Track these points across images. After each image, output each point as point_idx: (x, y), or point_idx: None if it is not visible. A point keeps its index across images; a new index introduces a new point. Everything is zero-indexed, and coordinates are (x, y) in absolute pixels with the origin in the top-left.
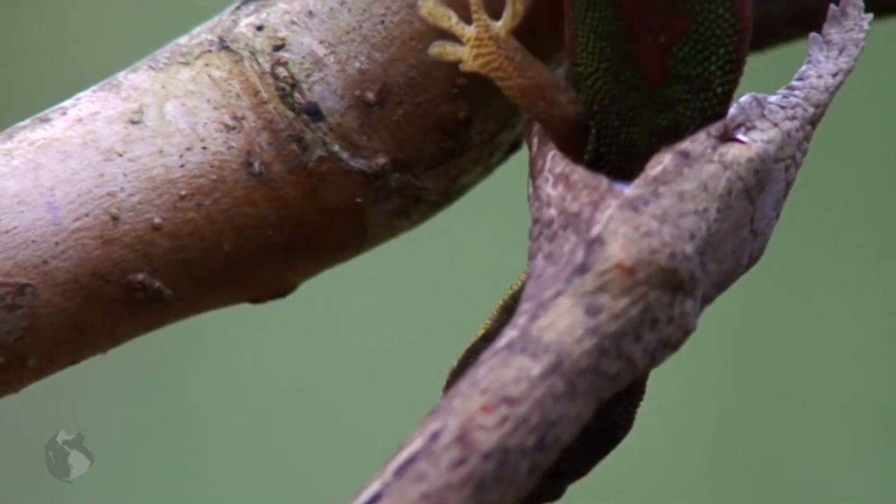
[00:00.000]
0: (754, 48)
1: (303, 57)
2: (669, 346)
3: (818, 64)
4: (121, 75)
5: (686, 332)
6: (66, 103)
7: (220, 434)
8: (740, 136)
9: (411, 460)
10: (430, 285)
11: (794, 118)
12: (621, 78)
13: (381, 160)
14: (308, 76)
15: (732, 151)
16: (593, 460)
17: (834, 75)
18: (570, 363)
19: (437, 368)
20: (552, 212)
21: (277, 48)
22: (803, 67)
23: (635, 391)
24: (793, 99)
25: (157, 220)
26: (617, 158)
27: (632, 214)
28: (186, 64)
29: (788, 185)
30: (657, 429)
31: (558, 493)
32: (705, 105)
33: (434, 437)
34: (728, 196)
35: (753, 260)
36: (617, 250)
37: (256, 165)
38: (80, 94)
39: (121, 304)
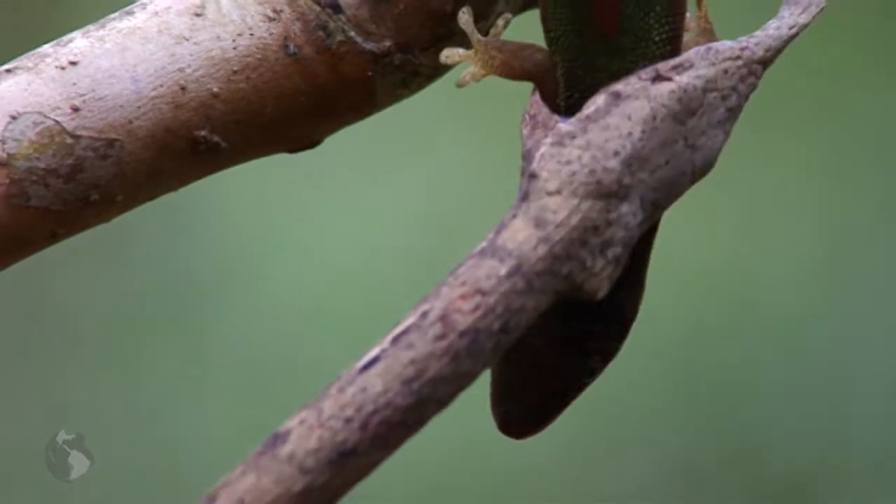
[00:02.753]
0: None
1: None
2: (615, 243)
3: (781, 18)
4: None
5: (627, 228)
6: (146, 0)
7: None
8: (670, 75)
9: (404, 332)
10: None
11: (737, 58)
12: (583, 35)
13: (387, 43)
14: None
15: (657, 87)
16: (612, 339)
17: (791, 27)
18: (529, 266)
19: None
20: (524, 149)
21: None
22: (770, 20)
23: (637, 283)
24: (744, 42)
25: (215, 90)
26: (586, 99)
27: (559, 149)
28: None
29: (731, 110)
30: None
31: (593, 372)
32: (647, 51)
33: (423, 315)
34: (652, 120)
35: (700, 169)
36: (543, 182)
37: (292, 47)
38: None
39: (187, 154)
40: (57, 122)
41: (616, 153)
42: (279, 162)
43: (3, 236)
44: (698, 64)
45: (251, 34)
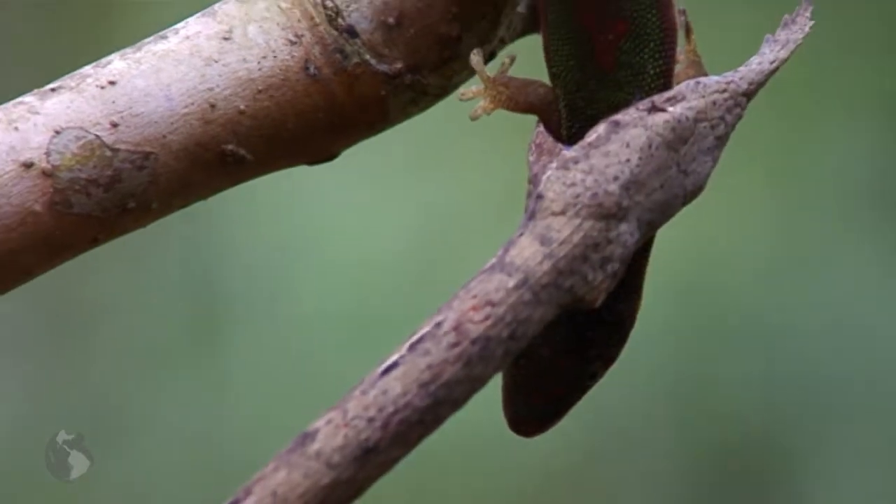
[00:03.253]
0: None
1: None
2: (613, 259)
3: (763, 55)
4: (216, 6)
5: (625, 246)
6: (178, 26)
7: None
8: (664, 106)
9: (420, 340)
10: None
11: (724, 91)
12: (584, 70)
13: (399, 65)
14: (347, 6)
15: (653, 117)
16: (612, 346)
17: (772, 62)
18: (535, 280)
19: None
20: (531, 174)
21: None
22: (753, 56)
23: (634, 293)
24: (730, 77)
25: (241, 107)
26: (587, 128)
27: (563, 173)
28: None
29: (719, 138)
30: None
31: (594, 376)
32: (643, 84)
33: (438, 325)
34: (649, 148)
35: (691, 192)
36: (549, 202)
37: (312, 69)
38: (188, 19)
39: (216, 166)
40: (97, 136)
41: (616, 178)
42: (306, 173)
43: (48, 241)
44: (689, 96)
45: (275, 57)
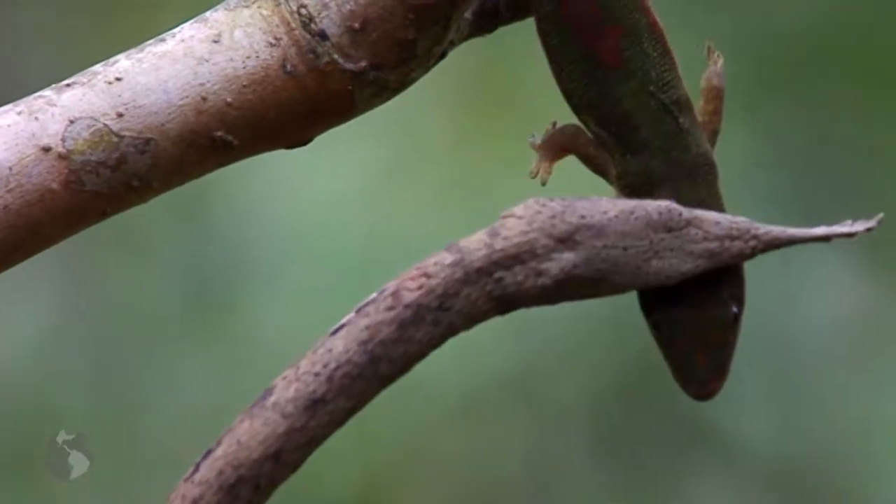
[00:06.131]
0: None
1: (316, 2)
2: (547, 275)
3: (800, 228)
4: (207, 13)
5: (563, 271)
6: (175, 30)
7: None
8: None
9: (365, 305)
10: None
11: (733, 221)
12: (596, 76)
13: (363, 63)
14: (319, 14)
15: (651, 202)
16: (737, 286)
17: (792, 236)
18: (469, 261)
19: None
20: None
21: None
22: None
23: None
24: (756, 223)
25: (229, 100)
26: (621, 134)
27: (546, 200)
28: (247, 6)
29: (710, 253)
30: None
31: (736, 318)
32: (649, 66)
33: (381, 291)
34: (629, 214)
35: (654, 274)
36: (515, 209)
37: (289, 67)
38: (183, 25)
39: (208, 150)
40: (106, 125)
41: (582, 217)
42: (310, 156)
43: (64, 214)
44: (697, 211)
45: (257, 57)
